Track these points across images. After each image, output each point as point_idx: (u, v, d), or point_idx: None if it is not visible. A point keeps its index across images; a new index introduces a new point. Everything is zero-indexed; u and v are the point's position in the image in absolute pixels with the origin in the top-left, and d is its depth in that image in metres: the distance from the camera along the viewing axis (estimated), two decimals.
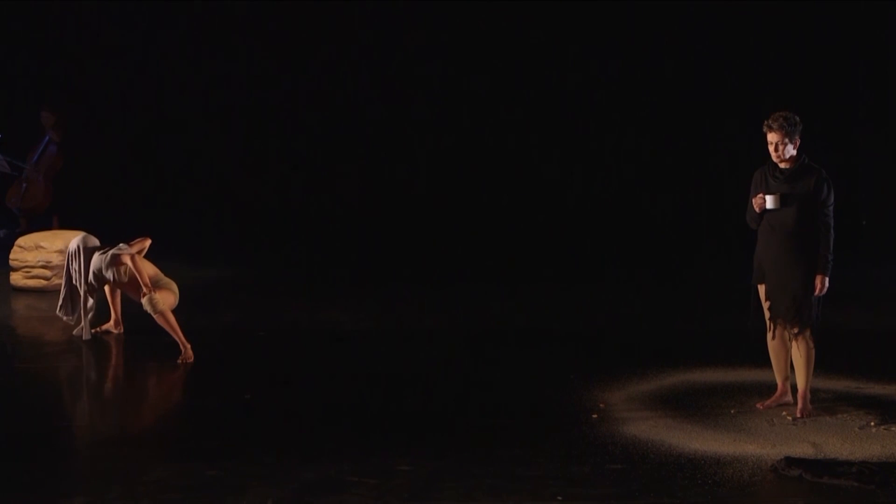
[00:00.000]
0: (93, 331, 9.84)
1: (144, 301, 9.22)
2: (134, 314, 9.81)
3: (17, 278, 11.69)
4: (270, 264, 13.41)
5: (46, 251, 11.61)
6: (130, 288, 9.51)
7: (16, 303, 11.35)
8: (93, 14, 15.79)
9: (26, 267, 11.63)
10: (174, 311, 9.29)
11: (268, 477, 6.63)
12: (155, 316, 9.19)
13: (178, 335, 9.15)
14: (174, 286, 9.51)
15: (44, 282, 11.58)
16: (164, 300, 9.28)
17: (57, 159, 14.22)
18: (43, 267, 11.59)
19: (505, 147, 15.56)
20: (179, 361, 9.06)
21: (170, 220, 15.07)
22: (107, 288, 9.77)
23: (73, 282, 9.69)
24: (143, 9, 15.70)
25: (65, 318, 9.84)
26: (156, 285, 9.33)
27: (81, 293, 9.67)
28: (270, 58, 15.86)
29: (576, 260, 13.58)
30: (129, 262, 9.34)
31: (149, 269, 9.41)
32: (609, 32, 15.18)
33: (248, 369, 9.03)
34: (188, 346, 9.13)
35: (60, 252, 11.57)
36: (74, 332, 9.84)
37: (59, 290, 9.90)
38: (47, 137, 14.30)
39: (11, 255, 11.78)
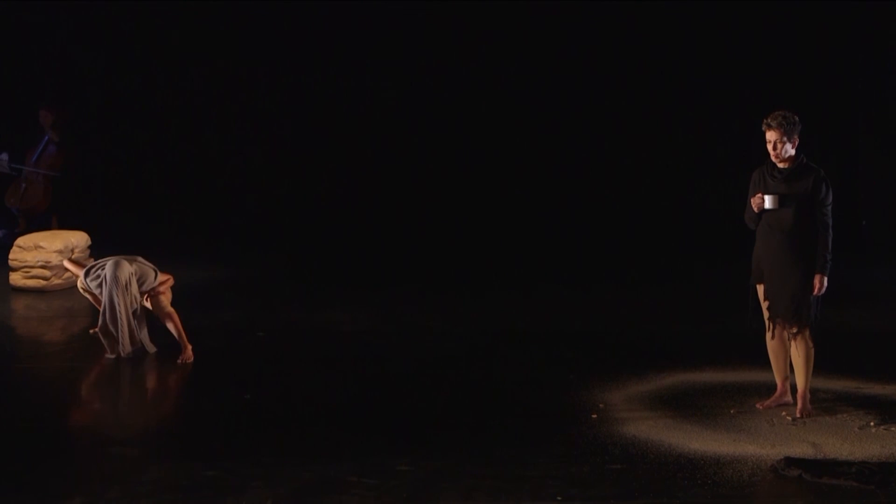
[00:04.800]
0: (91, 331, 9.84)
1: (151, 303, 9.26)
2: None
3: (16, 278, 11.69)
4: (270, 264, 13.40)
5: (45, 251, 11.61)
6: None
7: (15, 303, 11.35)
8: (92, 12, 15.78)
9: (25, 267, 11.63)
10: (174, 304, 9.28)
11: (267, 477, 6.63)
12: (163, 318, 9.20)
13: (182, 336, 9.16)
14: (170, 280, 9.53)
15: (43, 282, 11.58)
16: (167, 298, 9.31)
17: (56, 159, 14.22)
18: (42, 267, 11.59)
19: (506, 147, 15.56)
20: (179, 361, 9.07)
21: (170, 220, 15.08)
22: (90, 296, 9.72)
23: (126, 314, 9.02)
24: (141, 7, 15.69)
25: (127, 352, 9.12)
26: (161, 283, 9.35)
27: (133, 320, 9.09)
28: (271, 57, 15.85)
29: (575, 260, 13.58)
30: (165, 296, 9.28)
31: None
32: (609, 32, 15.18)
33: (248, 369, 9.03)
34: (189, 346, 9.14)
35: (60, 252, 11.57)
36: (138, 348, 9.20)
37: (99, 318, 9.13)
38: (46, 137, 14.30)
39: (11, 255, 11.78)
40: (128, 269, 9.08)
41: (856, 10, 13.91)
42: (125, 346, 9.14)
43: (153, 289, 9.20)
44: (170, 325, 9.19)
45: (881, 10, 13.73)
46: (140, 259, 9.29)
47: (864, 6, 13.85)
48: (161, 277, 9.27)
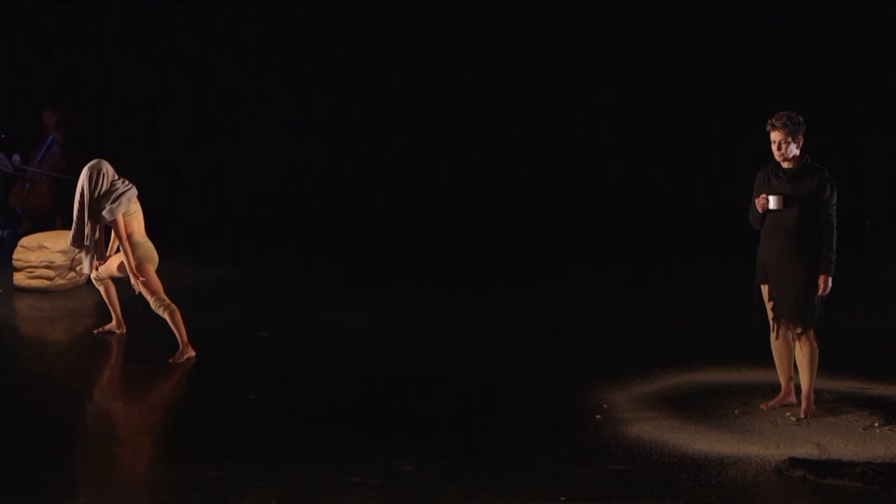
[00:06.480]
0: (95, 331, 9.84)
1: (153, 302, 9.19)
2: (133, 314, 9.82)
3: (20, 278, 11.69)
4: (272, 264, 13.40)
5: (49, 251, 11.61)
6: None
7: (19, 303, 11.35)
8: (94, 12, 15.79)
9: (29, 267, 11.63)
10: (177, 304, 9.26)
11: (270, 477, 6.62)
12: (164, 315, 9.16)
13: (182, 334, 9.13)
14: (153, 252, 9.39)
15: (47, 282, 11.57)
16: (149, 273, 9.23)
17: (60, 159, 14.22)
18: (46, 267, 11.58)
19: (507, 146, 15.55)
20: (179, 361, 9.03)
21: (172, 220, 15.06)
22: (102, 288, 9.72)
23: (85, 198, 9.31)
24: (141, 7, 15.70)
25: (76, 248, 9.56)
26: (136, 248, 9.24)
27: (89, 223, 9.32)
28: (273, 56, 15.86)
29: (578, 260, 13.56)
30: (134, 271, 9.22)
31: (138, 226, 9.36)
32: (611, 31, 15.17)
33: (251, 369, 9.02)
34: (188, 346, 9.11)
35: (63, 252, 11.56)
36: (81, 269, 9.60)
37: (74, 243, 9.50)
38: (50, 137, 14.30)
39: (15, 256, 11.77)
40: (107, 167, 9.34)
41: (860, 9, 13.89)
42: (77, 227, 9.31)
43: (112, 221, 9.23)
44: (168, 318, 9.13)
45: (886, 9, 13.70)
46: (132, 200, 9.33)
47: (869, 6, 13.82)
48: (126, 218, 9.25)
